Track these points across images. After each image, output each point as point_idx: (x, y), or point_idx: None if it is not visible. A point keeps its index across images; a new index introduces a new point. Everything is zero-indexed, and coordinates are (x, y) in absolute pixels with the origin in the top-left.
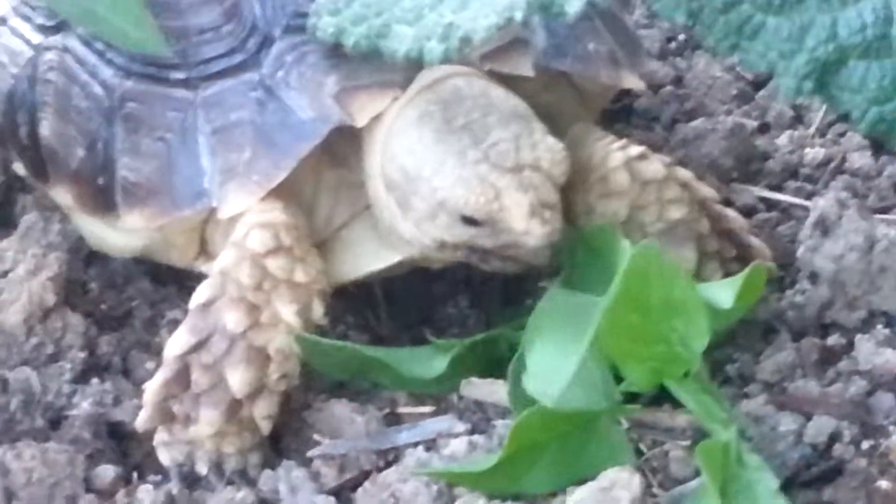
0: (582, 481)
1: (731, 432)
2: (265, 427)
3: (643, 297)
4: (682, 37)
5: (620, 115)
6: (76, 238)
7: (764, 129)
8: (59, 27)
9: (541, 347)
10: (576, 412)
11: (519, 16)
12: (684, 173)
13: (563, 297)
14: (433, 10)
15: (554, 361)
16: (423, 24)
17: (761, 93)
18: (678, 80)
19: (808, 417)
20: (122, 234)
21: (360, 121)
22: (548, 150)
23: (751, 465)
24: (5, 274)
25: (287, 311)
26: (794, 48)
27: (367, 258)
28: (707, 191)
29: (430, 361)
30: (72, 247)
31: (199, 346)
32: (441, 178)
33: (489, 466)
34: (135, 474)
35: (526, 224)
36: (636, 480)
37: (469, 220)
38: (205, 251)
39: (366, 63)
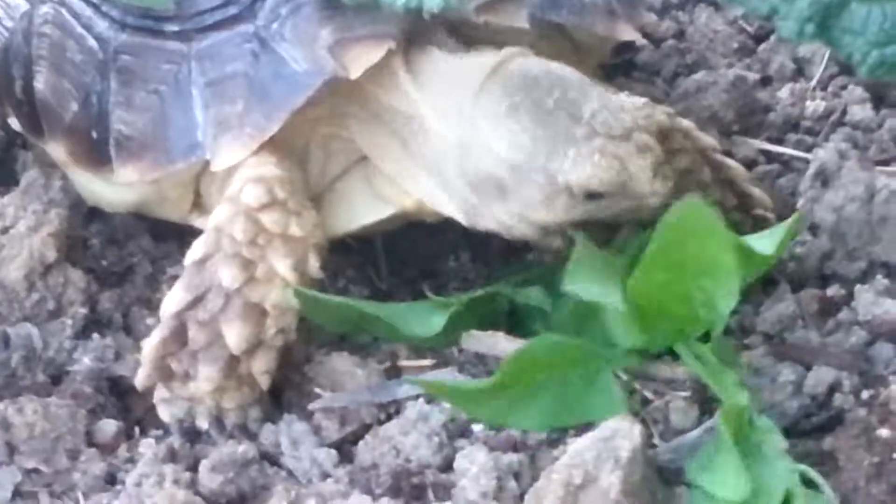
0: (577, 427)
1: (745, 397)
2: (264, 382)
3: (677, 253)
4: None
5: (621, 68)
6: (77, 194)
7: (765, 81)
8: None
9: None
10: (576, 353)
11: None
12: (686, 123)
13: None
14: None
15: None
16: None
17: (762, 46)
18: (680, 34)
19: (808, 368)
20: (117, 188)
21: (354, 73)
22: (635, 108)
23: (760, 427)
24: (6, 230)
25: (282, 266)
26: None
27: (361, 211)
28: (708, 140)
29: (430, 318)
30: (73, 203)
31: (195, 303)
32: (558, 161)
33: (485, 388)
34: (136, 429)
35: (651, 186)
36: (637, 430)
37: (594, 196)
38: (199, 205)
39: (361, 15)
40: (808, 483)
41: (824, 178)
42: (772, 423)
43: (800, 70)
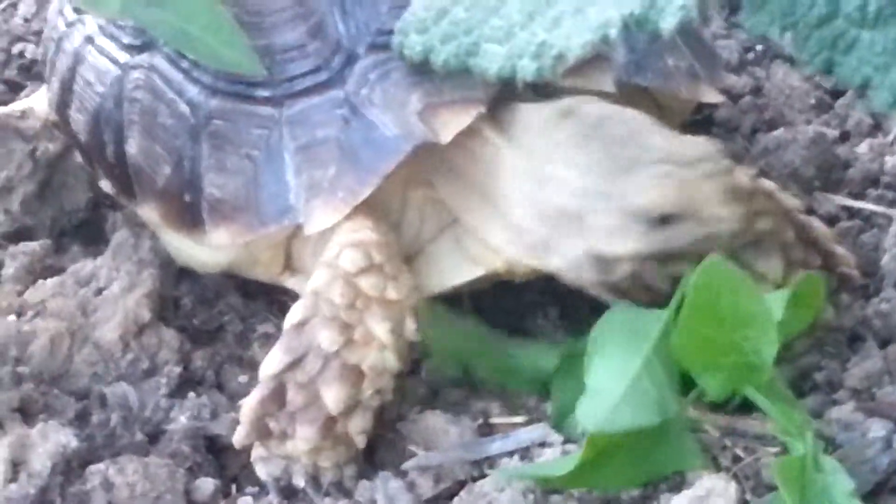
0: (669, 483)
1: (808, 440)
2: (360, 441)
3: (714, 308)
4: (759, 47)
5: (701, 125)
6: (167, 254)
7: (844, 137)
8: (145, 46)
9: (597, 365)
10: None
11: (614, 33)
12: (769, 184)
13: (625, 313)
14: (524, 29)
15: (606, 382)
16: (514, 43)
17: (840, 101)
18: (757, 90)
19: None
20: (209, 250)
21: (444, 137)
22: (701, 144)
23: (827, 470)
24: (100, 291)
25: (380, 329)
26: (888, 62)
27: (451, 272)
28: (792, 201)
29: (546, 355)
30: (163, 263)
31: (294, 365)
32: (629, 184)
33: (571, 467)
34: (233, 486)
35: (726, 207)
36: (732, 488)
37: (666, 219)
38: (290, 266)
39: (449, 80)
40: None
41: None
42: (837, 464)
43: (877, 125)
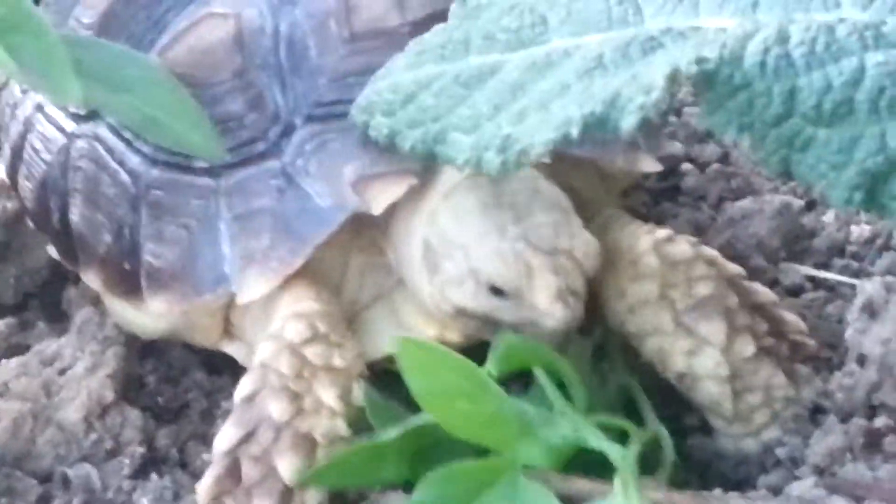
0: None
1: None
2: None
3: (444, 384)
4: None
5: (667, 193)
6: (132, 332)
7: (810, 206)
8: (90, 115)
9: None
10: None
11: (575, 132)
12: (710, 252)
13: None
14: (490, 120)
15: None
16: (480, 134)
17: None
18: (725, 158)
19: (860, 502)
20: (149, 316)
21: (377, 208)
22: (584, 242)
23: None
24: (63, 371)
25: (329, 396)
26: (844, 160)
27: (384, 341)
28: (733, 267)
29: None
30: (128, 340)
31: (247, 439)
32: (478, 246)
33: None
34: None
35: (550, 304)
36: None
37: (496, 291)
38: (229, 332)
39: (384, 152)
40: None
41: (871, 311)
42: None
43: None
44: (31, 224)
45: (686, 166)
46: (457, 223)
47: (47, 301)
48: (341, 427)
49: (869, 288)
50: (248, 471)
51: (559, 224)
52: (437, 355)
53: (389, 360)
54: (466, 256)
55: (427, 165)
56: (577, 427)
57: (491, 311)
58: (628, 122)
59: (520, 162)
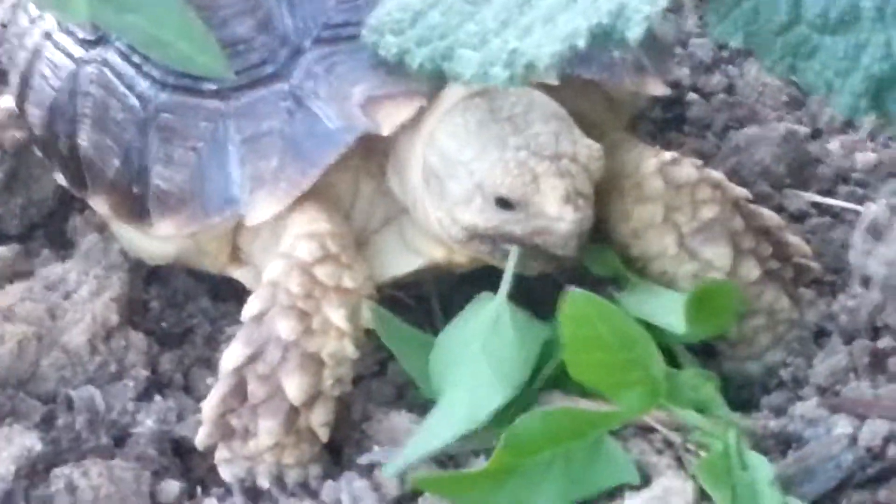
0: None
1: (730, 437)
2: (323, 435)
3: (595, 336)
4: (733, 45)
5: (673, 123)
6: (137, 257)
7: (815, 134)
8: (99, 41)
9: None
10: (575, 423)
11: (581, 43)
12: (716, 175)
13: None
14: (497, 36)
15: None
16: (487, 49)
17: (812, 98)
18: (730, 88)
19: (863, 420)
20: (157, 241)
21: (386, 129)
22: (586, 146)
23: (751, 464)
24: (68, 295)
25: (337, 317)
26: (849, 67)
27: (394, 263)
28: (739, 190)
29: None
30: (132, 266)
31: (254, 358)
32: (481, 161)
33: (481, 476)
34: (199, 489)
35: (559, 208)
36: (689, 487)
37: (504, 203)
38: (237, 258)
39: (393, 73)
40: None
41: (876, 232)
42: (761, 457)
43: (849, 122)
44: (38, 152)
45: (691, 96)
46: (457, 141)
47: (53, 231)
48: (349, 348)
49: (874, 209)
50: (255, 389)
51: (559, 131)
52: (598, 307)
53: (397, 283)
54: (470, 173)
55: (434, 88)
56: (703, 391)
57: (501, 226)
58: (634, 33)
59: (527, 75)
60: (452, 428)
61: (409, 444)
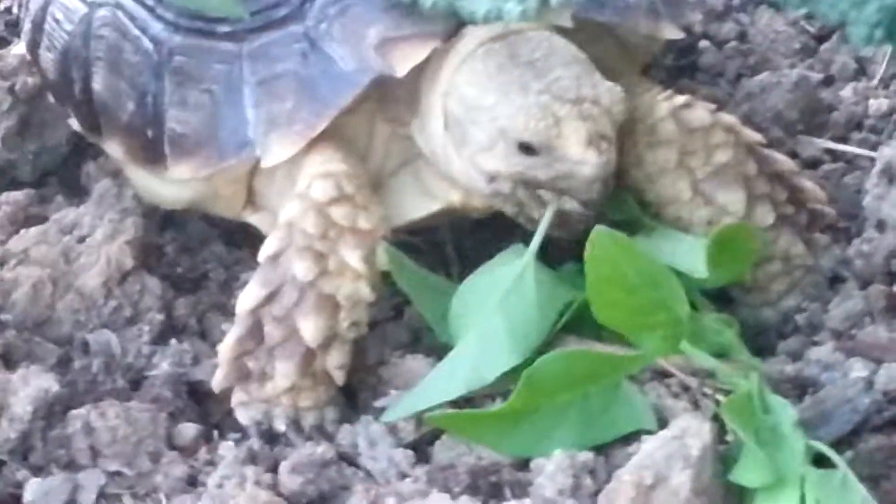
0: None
1: (753, 379)
2: (339, 378)
3: (618, 276)
4: None
5: (685, 70)
6: (151, 202)
7: (828, 81)
8: None
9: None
10: (592, 366)
11: None
12: (729, 118)
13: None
14: None
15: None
16: None
17: (824, 46)
18: (742, 36)
19: (879, 363)
20: (171, 185)
21: (401, 71)
22: (607, 89)
23: (773, 405)
24: (83, 239)
25: (353, 258)
26: None
27: (410, 207)
28: (752, 134)
29: None
30: (146, 211)
31: (270, 299)
32: (503, 106)
33: (500, 415)
34: (215, 432)
35: (583, 151)
36: (706, 428)
37: (526, 148)
38: (252, 202)
39: (407, 15)
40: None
41: (890, 176)
42: (782, 399)
43: (862, 69)
44: (51, 98)
45: (704, 44)
46: (477, 87)
47: (66, 177)
48: (364, 290)
49: (888, 153)
50: (271, 331)
51: (580, 75)
52: (624, 247)
53: (412, 228)
54: (492, 118)
55: (448, 29)
56: (725, 335)
57: (525, 172)
58: None
59: (540, 9)
60: (457, 384)
61: (411, 394)
